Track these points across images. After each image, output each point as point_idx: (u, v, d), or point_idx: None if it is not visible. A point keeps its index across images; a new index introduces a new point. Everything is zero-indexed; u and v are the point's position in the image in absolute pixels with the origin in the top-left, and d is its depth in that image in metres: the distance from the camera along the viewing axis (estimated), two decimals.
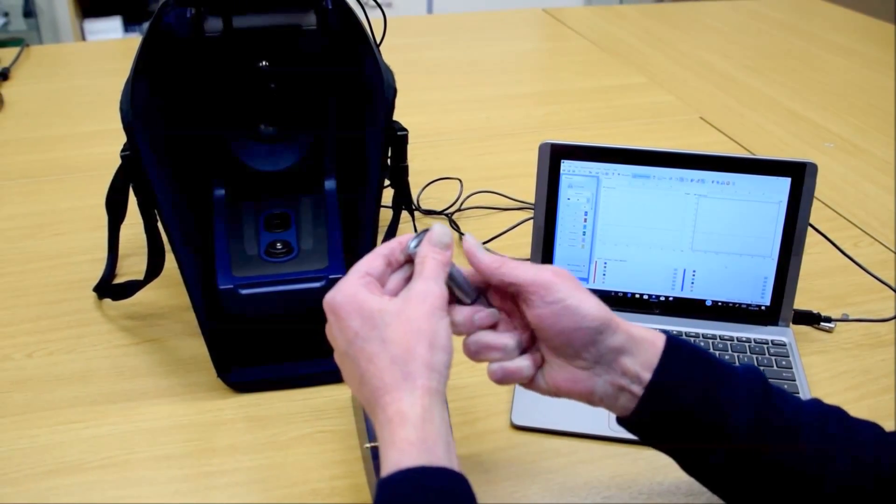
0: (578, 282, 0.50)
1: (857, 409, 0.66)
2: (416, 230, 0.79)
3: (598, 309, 0.48)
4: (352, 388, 0.47)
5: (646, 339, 0.48)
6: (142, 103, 0.64)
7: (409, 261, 0.49)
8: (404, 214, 0.81)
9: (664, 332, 0.50)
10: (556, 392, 0.51)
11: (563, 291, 0.47)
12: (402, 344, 0.43)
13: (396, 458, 0.41)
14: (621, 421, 0.51)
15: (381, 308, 0.45)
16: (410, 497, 0.40)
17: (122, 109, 0.64)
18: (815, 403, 0.50)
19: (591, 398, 0.50)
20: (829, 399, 0.67)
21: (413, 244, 0.48)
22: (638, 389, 0.48)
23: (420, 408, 0.42)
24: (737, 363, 0.70)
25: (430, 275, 0.46)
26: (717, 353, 0.71)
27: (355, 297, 0.45)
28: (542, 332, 0.49)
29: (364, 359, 0.44)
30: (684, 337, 0.73)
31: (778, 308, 0.74)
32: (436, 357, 0.44)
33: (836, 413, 0.50)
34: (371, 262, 0.48)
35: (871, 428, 0.49)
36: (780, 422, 0.47)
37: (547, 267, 0.50)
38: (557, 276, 0.48)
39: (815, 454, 0.47)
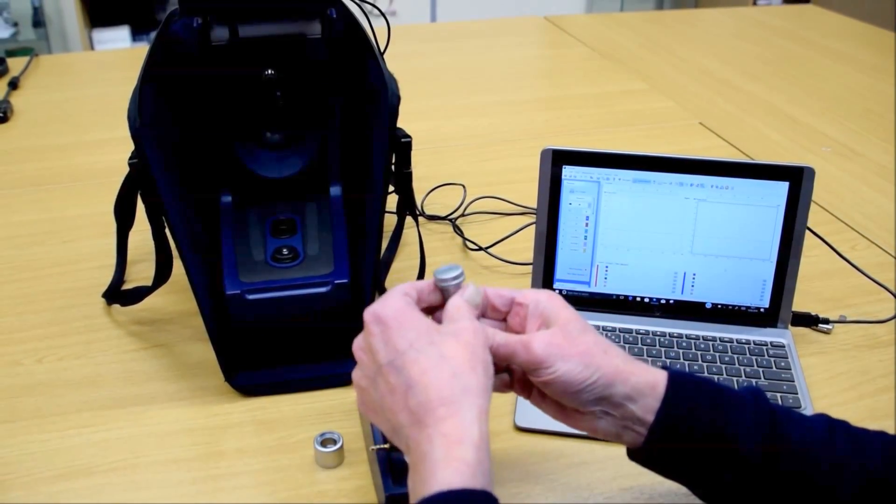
0: (577, 337, 0.48)
1: (856, 410, 0.68)
2: (419, 235, 0.80)
3: (587, 372, 0.47)
4: (382, 404, 0.45)
5: (647, 383, 0.48)
6: (149, 111, 0.65)
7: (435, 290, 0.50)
8: (409, 220, 0.82)
9: (665, 366, 0.50)
10: (564, 423, 0.52)
11: (555, 364, 0.46)
12: (463, 363, 0.43)
13: (448, 478, 0.40)
14: (630, 453, 0.52)
15: (436, 327, 0.46)
16: None
17: (129, 117, 0.65)
18: (822, 419, 0.50)
19: (595, 435, 0.51)
20: (828, 399, 0.69)
21: (444, 277, 0.50)
22: (642, 430, 0.48)
23: (478, 430, 0.42)
24: (736, 364, 0.71)
25: (472, 317, 0.47)
26: (717, 354, 0.72)
27: (406, 310, 0.46)
28: (539, 387, 0.50)
29: (417, 370, 0.43)
30: (685, 340, 0.73)
31: (777, 310, 0.75)
32: (489, 383, 0.44)
33: (843, 427, 0.50)
34: (409, 286, 0.49)
35: (878, 437, 0.50)
36: (790, 442, 0.48)
37: (542, 334, 0.48)
38: (549, 348, 0.47)
39: (828, 470, 0.47)
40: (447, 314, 0.48)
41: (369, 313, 0.46)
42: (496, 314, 0.52)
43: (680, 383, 0.49)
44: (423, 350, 0.44)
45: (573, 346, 0.47)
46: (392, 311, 0.45)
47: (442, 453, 0.41)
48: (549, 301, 0.50)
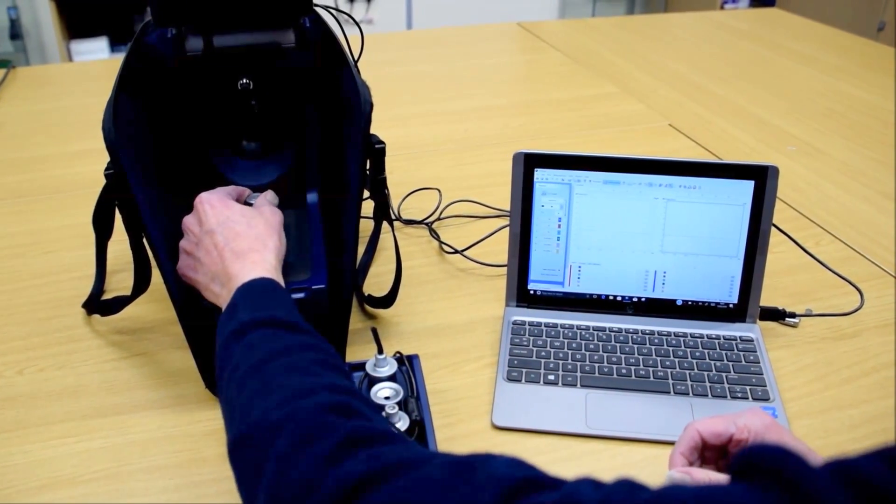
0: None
1: (822, 400, 0.70)
2: (395, 240, 0.81)
3: None
4: (207, 257, 0.61)
5: None
6: (124, 122, 0.66)
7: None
8: (385, 225, 0.83)
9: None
10: None
11: None
12: (264, 230, 0.63)
13: (252, 274, 0.58)
14: None
15: (244, 209, 0.65)
16: (274, 289, 0.57)
17: (104, 128, 0.65)
18: None
19: None
20: (795, 391, 0.71)
21: (250, 202, 0.70)
22: None
23: (275, 262, 0.60)
24: (706, 359, 0.73)
25: (270, 204, 0.68)
26: (688, 350, 0.74)
27: (226, 199, 0.65)
28: None
29: (232, 233, 0.61)
30: (657, 336, 0.75)
31: (745, 305, 0.77)
32: (282, 247, 0.64)
33: None
34: (231, 189, 0.69)
35: None
36: None
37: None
38: None
39: None
40: (256, 203, 0.69)
41: (201, 199, 0.64)
42: (712, 453, 0.54)
43: None
44: (239, 221, 0.63)
45: None
46: (216, 198, 0.65)
47: (249, 267, 0.59)
48: (766, 435, 0.52)
